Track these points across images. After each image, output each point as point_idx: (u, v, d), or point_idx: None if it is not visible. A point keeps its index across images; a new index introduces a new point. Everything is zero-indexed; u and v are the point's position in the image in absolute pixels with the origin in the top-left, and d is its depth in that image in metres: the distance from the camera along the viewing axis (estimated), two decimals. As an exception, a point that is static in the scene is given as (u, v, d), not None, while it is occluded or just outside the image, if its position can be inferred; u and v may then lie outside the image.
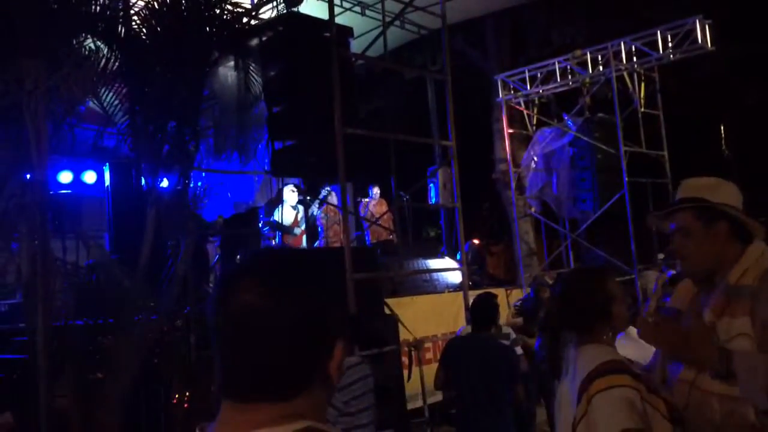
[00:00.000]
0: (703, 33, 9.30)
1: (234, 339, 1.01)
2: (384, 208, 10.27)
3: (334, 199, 9.38)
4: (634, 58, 10.01)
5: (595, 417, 1.96)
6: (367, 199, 10.59)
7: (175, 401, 5.24)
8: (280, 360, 1.01)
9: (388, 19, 7.11)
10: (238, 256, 7.62)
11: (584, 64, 10.28)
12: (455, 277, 9.15)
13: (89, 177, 8.70)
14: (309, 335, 1.03)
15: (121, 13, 5.47)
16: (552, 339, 2.36)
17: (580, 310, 2.20)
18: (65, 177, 8.50)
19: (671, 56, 9.69)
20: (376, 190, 10.53)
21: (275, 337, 1.00)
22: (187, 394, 5.19)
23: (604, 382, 1.97)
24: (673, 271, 9.87)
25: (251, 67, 6.22)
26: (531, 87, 10.98)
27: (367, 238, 10.31)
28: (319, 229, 9.69)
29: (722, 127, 17.64)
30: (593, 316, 2.18)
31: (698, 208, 2.17)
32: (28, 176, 4.86)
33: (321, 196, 9.20)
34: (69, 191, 8.37)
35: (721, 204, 2.14)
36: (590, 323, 2.19)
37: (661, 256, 10.31)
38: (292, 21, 6.25)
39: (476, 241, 12.74)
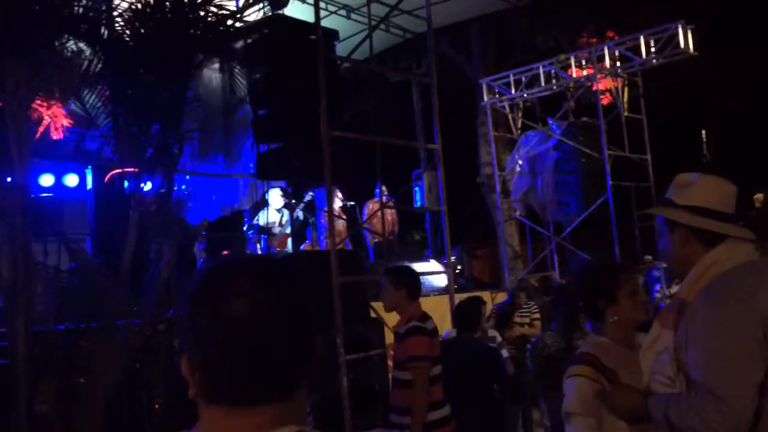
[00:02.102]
0: (685, 38, 9.38)
1: (233, 340, 0.98)
2: (387, 209, 9.94)
3: (338, 201, 9.25)
4: (618, 63, 10.08)
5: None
6: (374, 200, 10.28)
7: (158, 407, 5.20)
8: (283, 359, 1.00)
9: (373, 23, 7.11)
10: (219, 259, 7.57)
11: (568, 69, 10.34)
12: (440, 281, 9.15)
13: (71, 180, 8.61)
14: (307, 332, 1.03)
15: (104, 15, 5.42)
16: (566, 329, 2.56)
17: (588, 291, 2.45)
18: (47, 180, 8.40)
19: (654, 61, 9.78)
20: (383, 189, 10.04)
21: (279, 336, 0.99)
22: (171, 399, 5.15)
23: (572, 370, 2.33)
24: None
25: (236, 70, 6.19)
26: (515, 91, 11.03)
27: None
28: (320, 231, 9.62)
29: (704, 132, 17.83)
30: (598, 296, 2.39)
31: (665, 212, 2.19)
32: (9, 179, 4.80)
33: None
34: (50, 194, 8.28)
35: (683, 207, 2.11)
36: (595, 304, 2.40)
37: (648, 257, 10.38)
38: (278, 24, 6.23)
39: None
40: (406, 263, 9.37)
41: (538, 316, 7.12)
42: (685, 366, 1.97)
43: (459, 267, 11.67)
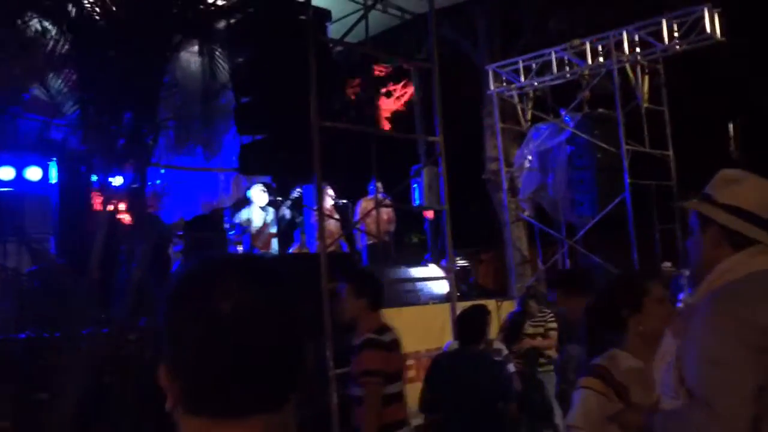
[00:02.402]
0: (711, 22, 9.40)
1: (218, 344, 0.98)
2: (383, 207, 9.85)
3: (329, 198, 9.19)
4: (638, 49, 10.09)
5: None
6: (369, 198, 10.16)
7: (129, 424, 5.18)
8: (271, 366, 1.00)
9: (369, 2, 7.11)
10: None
11: (583, 55, 10.34)
12: (440, 287, 9.14)
13: (33, 173, 8.58)
14: (296, 337, 1.04)
15: (72, -9, 5.41)
16: (590, 341, 2.61)
17: (611, 299, 2.51)
18: (6, 173, 8.37)
19: (677, 47, 9.79)
20: (379, 185, 9.43)
21: (266, 340, 1.00)
22: (143, 416, 5.14)
23: (581, 381, 2.45)
24: None
25: (217, 53, 6.18)
26: (525, 79, 11.04)
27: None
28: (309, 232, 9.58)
29: (732, 126, 17.86)
30: (622, 304, 2.45)
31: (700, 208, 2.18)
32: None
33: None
34: (10, 189, 8.25)
35: (722, 205, 2.10)
36: (618, 313, 2.44)
37: (667, 264, 10.40)
38: (264, 2, 6.23)
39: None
40: (404, 268, 9.44)
41: (554, 325, 7.02)
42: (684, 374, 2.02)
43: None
